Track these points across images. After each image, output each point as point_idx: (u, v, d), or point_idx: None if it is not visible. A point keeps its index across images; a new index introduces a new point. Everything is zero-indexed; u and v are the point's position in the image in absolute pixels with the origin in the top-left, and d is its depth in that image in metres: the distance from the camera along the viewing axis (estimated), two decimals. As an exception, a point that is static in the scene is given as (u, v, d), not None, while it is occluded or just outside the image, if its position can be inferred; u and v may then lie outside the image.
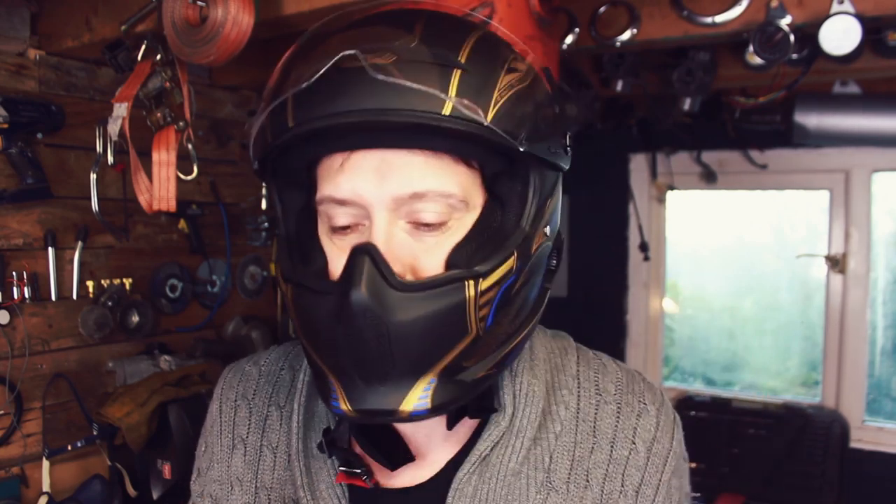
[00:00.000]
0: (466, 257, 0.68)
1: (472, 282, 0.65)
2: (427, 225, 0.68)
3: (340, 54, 0.63)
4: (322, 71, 0.63)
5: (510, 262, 0.68)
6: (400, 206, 0.67)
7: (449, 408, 0.68)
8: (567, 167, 0.76)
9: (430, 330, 0.65)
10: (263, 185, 2.69)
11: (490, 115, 0.65)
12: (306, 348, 0.71)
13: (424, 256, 0.68)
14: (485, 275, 0.66)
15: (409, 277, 0.66)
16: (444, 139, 0.66)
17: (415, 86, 0.62)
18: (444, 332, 0.66)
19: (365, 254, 0.63)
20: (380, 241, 0.65)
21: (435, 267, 0.68)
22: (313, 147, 0.69)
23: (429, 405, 0.66)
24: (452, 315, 0.65)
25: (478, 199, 0.70)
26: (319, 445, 0.78)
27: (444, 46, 0.66)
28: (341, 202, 0.68)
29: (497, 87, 0.66)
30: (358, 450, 0.78)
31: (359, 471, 0.75)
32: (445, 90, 0.63)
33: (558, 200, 0.77)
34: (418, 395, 0.65)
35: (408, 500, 0.77)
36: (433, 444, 0.79)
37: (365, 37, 0.67)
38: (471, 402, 0.73)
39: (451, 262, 0.68)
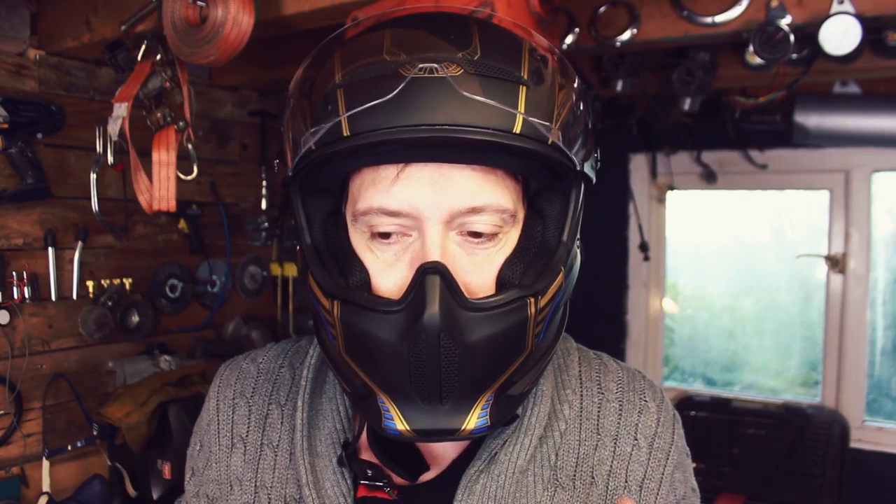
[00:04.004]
0: (518, 273, 0.68)
1: (532, 299, 0.66)
2: (479, 236, 0.67)
3: (419, 66, 0.62)
4: (402, 86, 0.61)
5: (560, 278, 0.69)
6: (454, 219, 0.66)
7: (502, 423, 0.69)
8: (594, 180, 0.76)
9: (496, 348, 0.65)
10: (264, 184, 2.70)
11: (554, 135, 0.65)
12: (349, 366, 0.69)
13: (476, 270, 0.68)
14: (542, 292, 0.67)
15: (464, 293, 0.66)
16: (502, 155, 0.65)
17: (497, 104, 0.62)
18: (506, 350, 0.66)
19: (436, 273, 0.63)
20: (436, 256, 0.64)
21: (487, 281, 0.68)
22: (362, 157, 0.66)
23: (488, 422, 0.67)
24: (515, 333, 0.66)
25: (521, 213, 0.71)
26: (339, 459, 0.77)
27: (506, 61, 0.66)
28: (394, 213, 0.66)
29: (556, 105, 0.66)
30: (373, 458, 0.78)
31: (381, 483, 0.75)
32: (515, 108, 0.63)
33: None
34: (478, 414, 0.66)
35: (416, 496, 0.77)
36: (443, 447, 0.79)
37: (423, 44, 0.65)
38: None
39: (502, 278, 0.68)
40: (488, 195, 0.66)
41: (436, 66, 0.62)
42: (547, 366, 0.75)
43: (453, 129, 0.61)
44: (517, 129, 0.63)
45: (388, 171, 0.66)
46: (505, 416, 0.69)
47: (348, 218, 0.71)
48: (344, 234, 0.71)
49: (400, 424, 0.66)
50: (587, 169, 0.71)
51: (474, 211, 0.66)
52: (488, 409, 0.67)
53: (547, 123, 0.64)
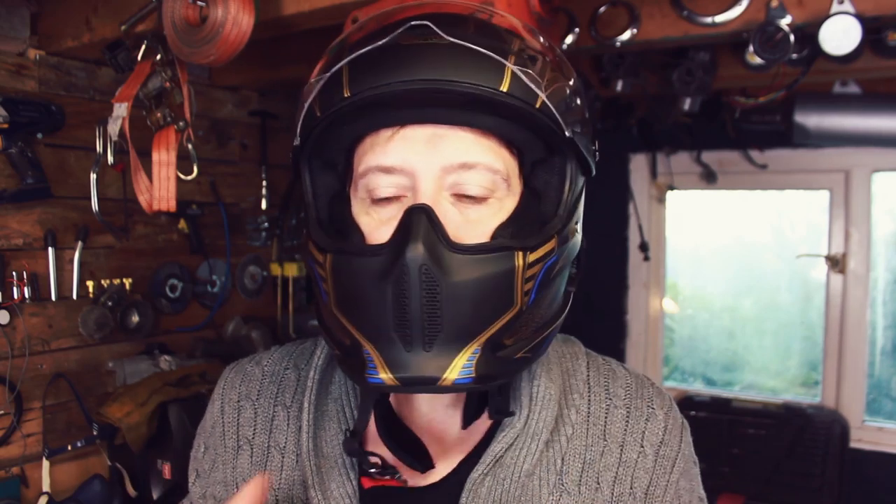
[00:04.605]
0: (510, 235, 0.69)
1: (521, 253, 0.67)
2: (471, 198, 0.69)
3: (409, 24, 0.66)
4: (389, 38, 0.66)
5: (552, 243, 0.69)
6: (447, 174, 0.68)
7: (490, 382, 0.67)
8: (594, 172, 0.77)
9: (480, 295, 0.65)
10: (264, 184, 2.70)
11: (543, 97, 0.67)
12: (339, 321, 0.69)
13: (467, 228, 0.69)
14: (532, 248, 0.67)
15: None
16: (494, 118, 0.68)
17: (482, 50, 0.65)
18: (492, 300, 0.66)
19: (422, 212, 0.64)
20: (426, 201, 0.66)
21: (478, 239, 0.69)
22: (363, 121, 0.70)
23: (473, 374, 0.65)
24: (501, 283, 0.66)
25: (517, 187, 0.72)
26: (344, 444, 0.77)
27: (496, 40, 0.69)
28: (388, 170, 0.68)
29: (545, 80, 0.69)
30: (380, 450, 0.78)
31: (387, 470, 0.75)
32: (505, 67, 0.66)
33: (583, 204, 0.79)
34: (462, 364, 0.65)
35: (420, 499, 0.77)
36: (447, 444, 0.79)
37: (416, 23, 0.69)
38: (490, 402, 0.73)
39: (495, 239, 0.69)
40: (480, 155, 0.69)
41: (431, 26, 0.66)
42: (547, 341, 0.74)
43: (444, 82, 0.65)
44: (505, 87, 0.65)
45: (386, 134, 0.69)
46: (491, 376, 0.67)
47: (351, 191, 0.74)
48: (347, 210, 0.73)
49: (383, 373, 0.65)
50: (584, 147, 0.72)
51: (465, 166, 0.68)
52: (473, 362, 0.65)
53: (539, 80, 0.67)
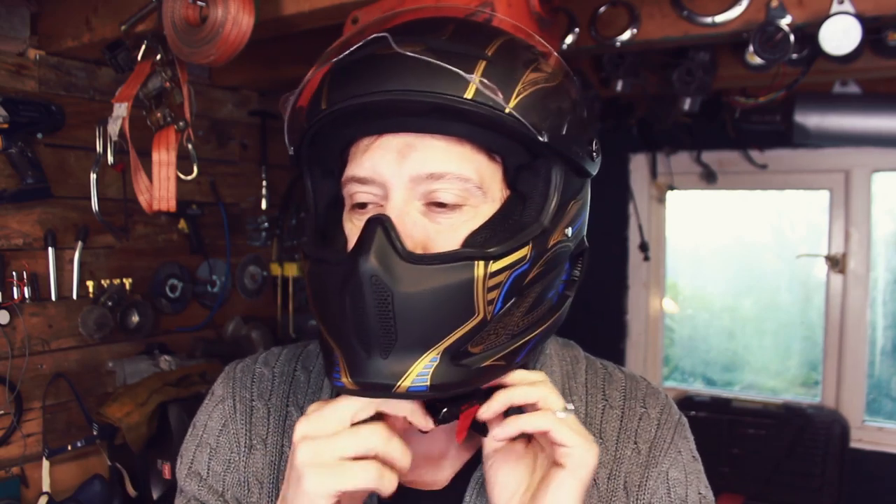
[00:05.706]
0: (481, 242, 0.69)
1: (481, 262, 0.66)
2: (441, 205, 0.69)
3: (371, 36, 0.68)
4: (350, 50, 0.68)
5: (524, 251, 0.68)
6: (417, 185, 0.69)
7: (449, 390, 0.67)
8: (594, 173, 0.77)
9: (435, 305, 0.65)
10: (264, 184, 2.70)
11: (511, 104, 0.66)
12: (318, 324, 0.73)
13: (438, 237, 0.69)
14: (495, 257, 0.67)
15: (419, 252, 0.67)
16: (465, 125, 0.68)
17: (438, 63, 0.65)
18: (449, 310, 0.66)
19: (377, 224, 0.65)
20: (394, 217, 0.67)
21: (448, 247, 0.69)
22: (345, 131, 0.72)
23: (427, 383, 0.65)
24: (459, 293, 0.66)
25: (497, 192, 0.72)
26: None
27: (473, 43, 0.69)
28: (362, 181, 0.70)
29: (521, 81, 0.68)
30: None
31: None
32: (470, 74, 0.66)
33: (585, 206, 0.78)
34: (418, 372, 0.65)
35: (432, 501, 0.79)
36: (454, 446, 0.80)
37: (398, 31, 0.70)
38: (441, 414, 0.73)
39: (465, 245, 0.70)
40: (451, 164, 0.69)
41: (388, 37, 0.66)
42: (525, 349, 0.73)
43: (407, 92, 0.66)
44: (469, 94, 0.66)
45: (364, 143, 0.71)
46: (450, 385, 0.66)
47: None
48: (340, 212, 0.76)
49: (344, 377, 0.66)
50: (567, 151, 0.71)
51: (433, 177, 0.68)
52: (430, 370, 0.65)
53: (504, 86, 0.66)
